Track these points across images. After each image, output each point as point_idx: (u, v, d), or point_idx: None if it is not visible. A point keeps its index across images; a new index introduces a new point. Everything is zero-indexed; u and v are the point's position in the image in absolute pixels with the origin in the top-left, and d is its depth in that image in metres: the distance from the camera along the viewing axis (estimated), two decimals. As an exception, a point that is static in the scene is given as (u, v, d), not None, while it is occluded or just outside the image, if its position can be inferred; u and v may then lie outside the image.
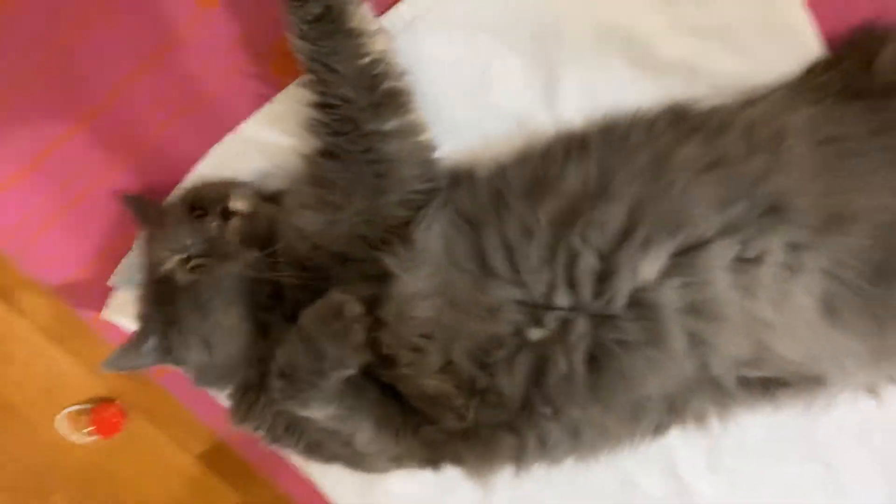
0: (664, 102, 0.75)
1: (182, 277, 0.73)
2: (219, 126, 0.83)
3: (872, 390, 0.80)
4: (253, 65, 0.80)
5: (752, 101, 0.72)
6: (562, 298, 0.67)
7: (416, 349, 0.69)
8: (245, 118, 0.82)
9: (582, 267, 0.66)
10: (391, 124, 0.72)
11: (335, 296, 0.66)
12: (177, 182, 0.85)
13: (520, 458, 0.76)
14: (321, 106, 0.72)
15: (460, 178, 0.75)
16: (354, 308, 0.65)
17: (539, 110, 0.77)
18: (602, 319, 0.66)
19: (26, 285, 1.02)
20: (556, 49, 0.75)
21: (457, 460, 0.77)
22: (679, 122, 0.72)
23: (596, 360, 0.67)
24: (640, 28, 0.74)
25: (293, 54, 0.77)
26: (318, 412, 0.68)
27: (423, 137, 0.75)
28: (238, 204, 0.74)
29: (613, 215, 0.66)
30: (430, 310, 0.68)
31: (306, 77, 0.72)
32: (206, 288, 0.72)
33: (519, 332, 0.67)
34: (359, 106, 0.70)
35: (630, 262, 0.65)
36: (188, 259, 0.72)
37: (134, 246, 0.88)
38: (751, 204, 0.65)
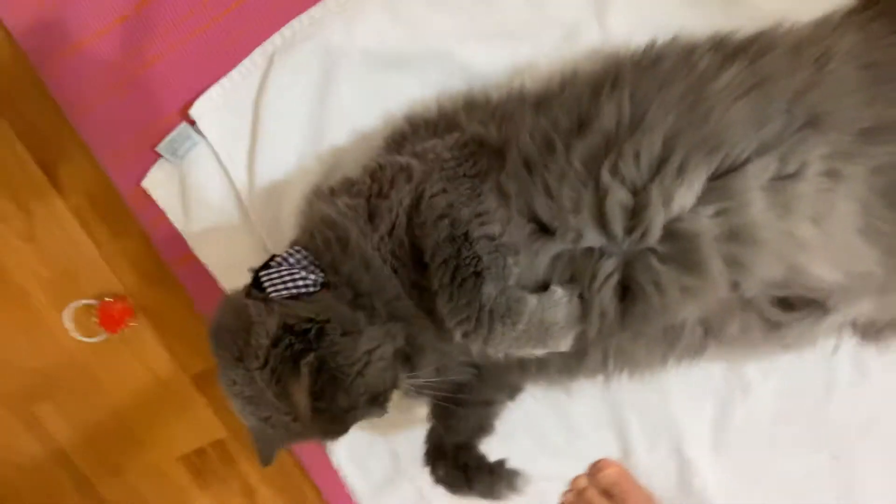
0: (705, 32, 0.78)
1: None
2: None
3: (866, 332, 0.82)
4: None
5: (796, 28, 0.75)
6: (591, 238, 0.69)
7: None
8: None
9: (611, 203, 0.67)
10: None
11: None
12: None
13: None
14: None
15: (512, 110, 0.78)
16: None
17: (589, 23, 0.83)
18: (635, 255, 0.69)
19: (69, 159, 1.05)
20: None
21: None
22: (720, 47, 0.75)
23: (630, 293, 0.70)
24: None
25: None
26: None
27: None
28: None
29: (647, 146, 0.67)
30: None
31: None
32: None
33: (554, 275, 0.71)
34: None
35: (664, 191, 0.66)
36: None
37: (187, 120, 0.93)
38: (789, 118, 0.66)
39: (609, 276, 0.71)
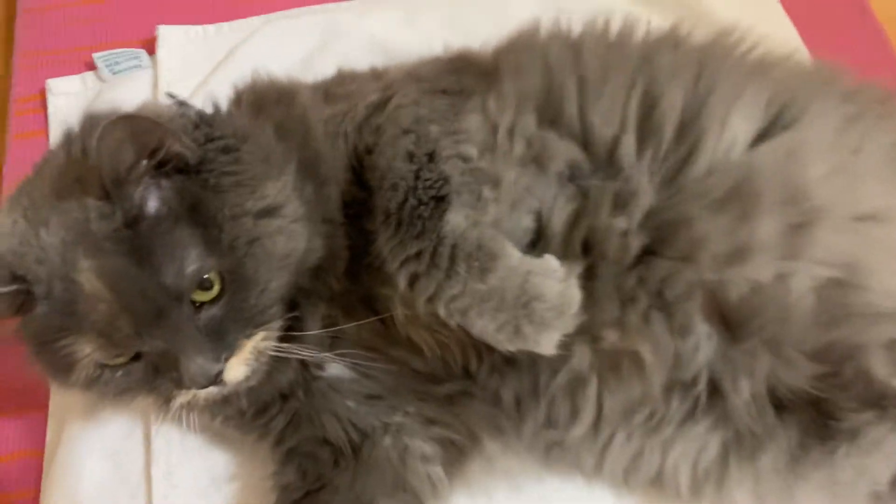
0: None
1: None
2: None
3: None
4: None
5: None
6: (628, 146, 0.53)
7: None
8: None
9: (665, 105, 0.53)
10: None
11: None
12: None
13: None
14: None
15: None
16: None
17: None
18: (670, 195, 0.52)
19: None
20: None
21: None
22: None
23: (658, 238, 0.52)
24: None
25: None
26: None
27: None
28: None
29: (708, 75, 0.56)
30: None
31: None
32: None
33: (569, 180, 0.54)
34: None
35: (721, 113, 0.53)
36: None
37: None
38: None
39: (635, 204, 0.52)
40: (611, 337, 0.53)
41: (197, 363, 0.48)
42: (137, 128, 0.46)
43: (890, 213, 0.53)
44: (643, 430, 0.57)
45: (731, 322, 0.53)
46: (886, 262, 0.52)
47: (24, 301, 0.49)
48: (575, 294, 0.49)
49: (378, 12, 0.85)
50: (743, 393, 0.53)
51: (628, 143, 0.53)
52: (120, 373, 0.51)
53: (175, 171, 0.49)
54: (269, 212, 0.50)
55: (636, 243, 0.52)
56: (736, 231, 0.51)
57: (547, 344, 0.49)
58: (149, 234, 0.47)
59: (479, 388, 0.57)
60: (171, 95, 0.58)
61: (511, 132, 0.54)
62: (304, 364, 0.57)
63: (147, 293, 0.47)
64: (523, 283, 0.48)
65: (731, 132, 0.53)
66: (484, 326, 0.49)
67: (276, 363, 0.55)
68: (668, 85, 0.54)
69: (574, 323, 0.49)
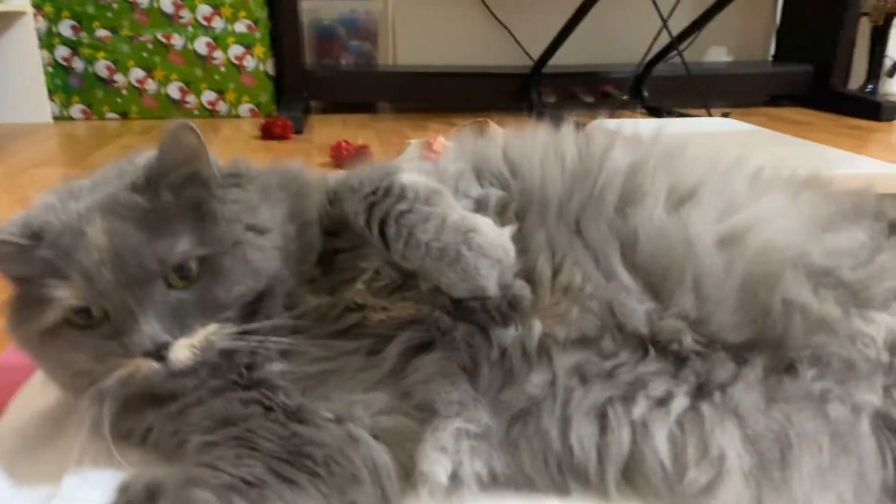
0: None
1: None
2: None
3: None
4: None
5: None
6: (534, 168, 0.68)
7: None
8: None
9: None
10: None
11: None
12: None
13: None
14: None
15: None
16: None
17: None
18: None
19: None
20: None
21: None
22: None
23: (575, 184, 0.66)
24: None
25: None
26: None
27: None
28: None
29: None
30: None
31: None
32: None
33: None
34: None
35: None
36: None
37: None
38: None
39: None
40: (545, 269, 0.60)
41: (151, 326, 0.55)
42: (193, 139, 0.59)
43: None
44: (600, 382, 0.57)
45: (649, 274, 0.60)
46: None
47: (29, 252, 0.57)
48: (507, 236, 0.60)
49: None
50: (685, 340, 0.57)
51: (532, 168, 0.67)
52: (79, 333, 0.57)
53: (196, 182, 0.61)
54: (257, 229, 0.61)
55: (557, 191, 0.64)
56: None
57: (487, 274, 0.57)
58: (160, 214, 0.58)
59: (431, 331, 0.60)
60: None
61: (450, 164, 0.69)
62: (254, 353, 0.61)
63: (138, 254, 0.56)
64: (462, 218, 0.59)
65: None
66: (429, 244, 0.58)
67: (226, 360, 0.59)
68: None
69: (510, 258, 0.59)
